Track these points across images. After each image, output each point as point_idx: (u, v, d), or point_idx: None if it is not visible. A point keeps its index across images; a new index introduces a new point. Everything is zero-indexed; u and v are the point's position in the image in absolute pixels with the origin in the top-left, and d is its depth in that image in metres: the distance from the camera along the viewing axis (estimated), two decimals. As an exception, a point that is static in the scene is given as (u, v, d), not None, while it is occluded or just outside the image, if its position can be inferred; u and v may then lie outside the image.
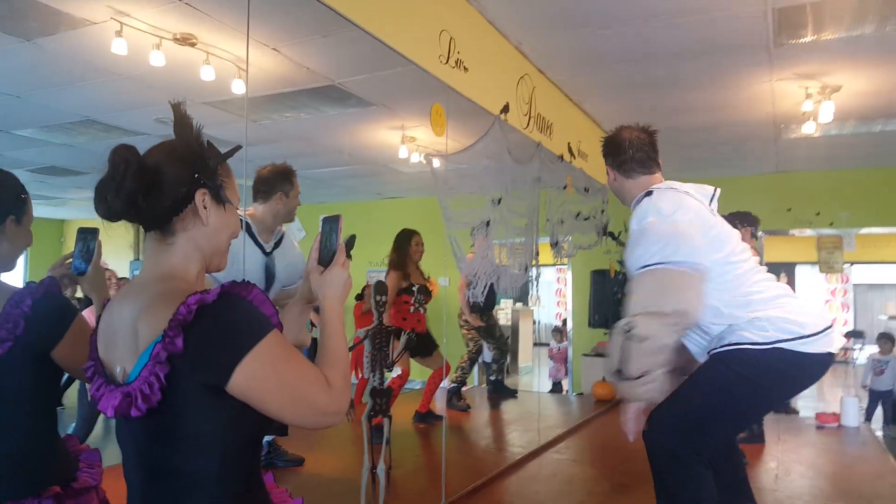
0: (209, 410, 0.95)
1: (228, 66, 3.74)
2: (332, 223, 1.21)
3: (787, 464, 3.69)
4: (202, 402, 0.94)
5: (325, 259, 1.18)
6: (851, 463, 3.80)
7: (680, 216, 1.88)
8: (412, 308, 4.11)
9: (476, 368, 6.66)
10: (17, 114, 4.93)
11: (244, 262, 2.54)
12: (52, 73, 4.03)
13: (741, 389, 1.89)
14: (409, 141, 5.38)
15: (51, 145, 5.80)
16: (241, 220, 2.68)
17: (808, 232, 7.17)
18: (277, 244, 2.89)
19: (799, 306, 1.92)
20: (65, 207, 10.05)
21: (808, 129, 4.67)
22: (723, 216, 3.50)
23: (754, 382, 1.88)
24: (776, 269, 12.95)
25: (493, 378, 5.93)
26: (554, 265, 9.38)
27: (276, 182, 2.82)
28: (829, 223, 6.92)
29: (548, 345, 9.00)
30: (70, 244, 12.64)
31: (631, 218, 2.06)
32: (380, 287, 2.33)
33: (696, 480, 1.85)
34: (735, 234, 2.02)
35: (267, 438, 3.30)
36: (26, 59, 3.78)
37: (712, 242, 1.90)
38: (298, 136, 5.58)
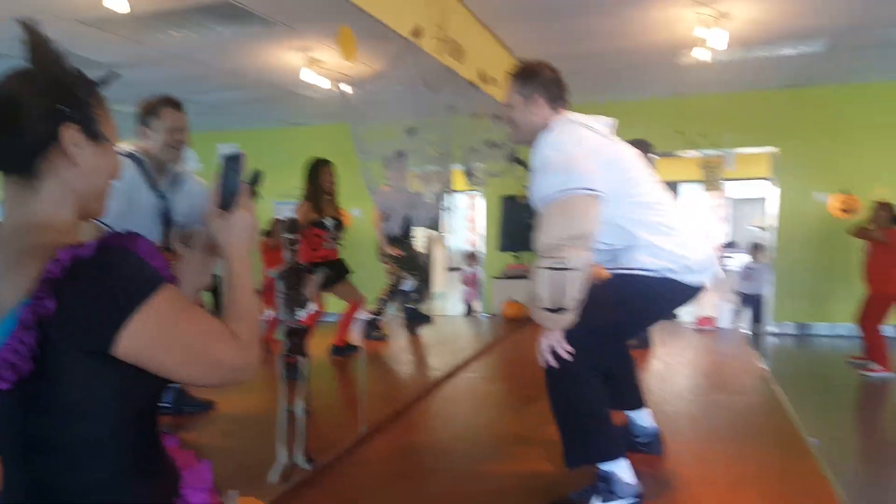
0: (93, 378, 0.84)
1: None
2: (232, 162, 1.10)
3: (671, 365, 4.10)
4: (84, 370, 0.83)
5: (227, 202, 1.08)
6: (724, 361, 4.30)
7: (576, 149, 1.95)
8: (325, 244, 4.04)
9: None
10: None
11: (134, 205, 2.40)
12: None
13: (629, 310, 2.06)
14: (315, 64, 5.11)
15: None
16: (134, 155, 2.51)
17: (694, 153, 7.68)
18: (175, 185, 2.71)
19: (692, 240, 2.06)
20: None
21: (703, 55, 4.89)
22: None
23: (641, 304, 2.06)
24: (666, 188, 13.71)
25: (408, 306, 6.02)
26: (465, 192, 9.47)
27: (142, 116, 2.57)
28: (713, 144, 7.45)
29: (460, 269, 9.22)
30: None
31: (532, 153, 2.11)
32: (290, 224, 2.27)
33: (590, 394, 2.00)
34: (638, 159, 2.11)
35: (173, 385, 3.20)
36: None
37: (612, 169, 1.99)
38: (189, 58, 5.17)
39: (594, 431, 2.01)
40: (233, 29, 4.40)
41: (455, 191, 4.36)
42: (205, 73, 5.68)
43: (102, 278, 0.82)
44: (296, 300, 2.34)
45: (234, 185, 1.09)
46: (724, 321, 5.35)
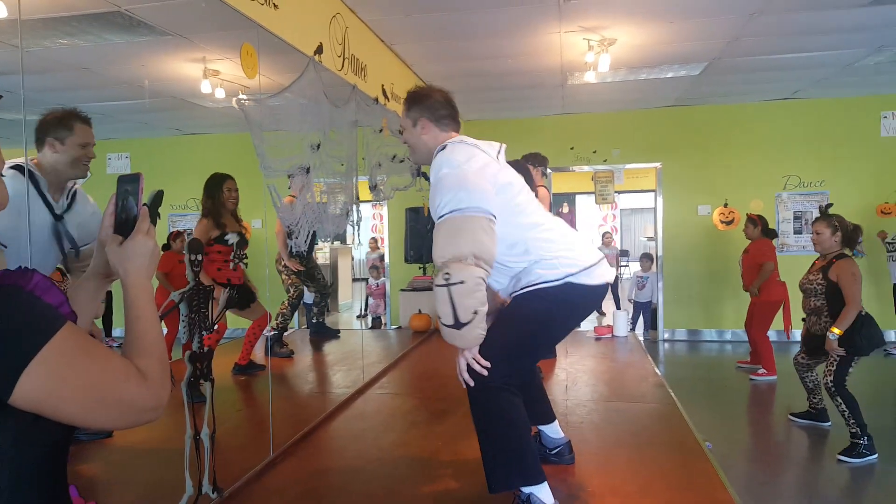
0: None
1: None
2: (129, 183, 1.04)
3: (574, 374, 4.30)
4: None
5: (124, 227, 1.02)
6: (623, 368, 4.54)
7: (470, 166, 2.05)
8: (231, 264, 3.92)
9: (296, 312, 6.61)
10: None
11: (29, 227, 2.23)
12: None
13: (541, 323, 2.17)
14: (213, 75, 4.96)
15: None
16: (22, 167, 2.34)
17: (586, 168, 8.14)
18: (71, 203, 2.55)
19: (579, 244, 2.23)
20: None
21: (590, 77, 5.23)
22: (516, 159, 3.80)
23: (551, 315, 2.16)
24: (560, 199, 14.35)
25: (314, 321, 5.95)
26: (370, 202, 9.47)
27: (49, 127, 2.41)
28: (604, 160, 7.93)
29: (366, 280, 9.19)
30: None
31: (430, 171, 2.21)
32: (194, 245, 2.20)
33: (508, 406, 2.09)
34: (520, 181, 2.24)
35: None
36: None
37: (501, 190, 2.10)
38: (78, 66, 4.86)
39: (517, 453, 2.07)
40: (124, 38, 4.20)
41: (361, 202, 4.38)
42: (95, 82, 5.37)
43: None
44: (202, 323, 2.27)
45: (131, 208, 1.03)
46: (621, 329, 5.66)
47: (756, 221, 6.24)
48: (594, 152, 7.90)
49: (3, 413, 0.77)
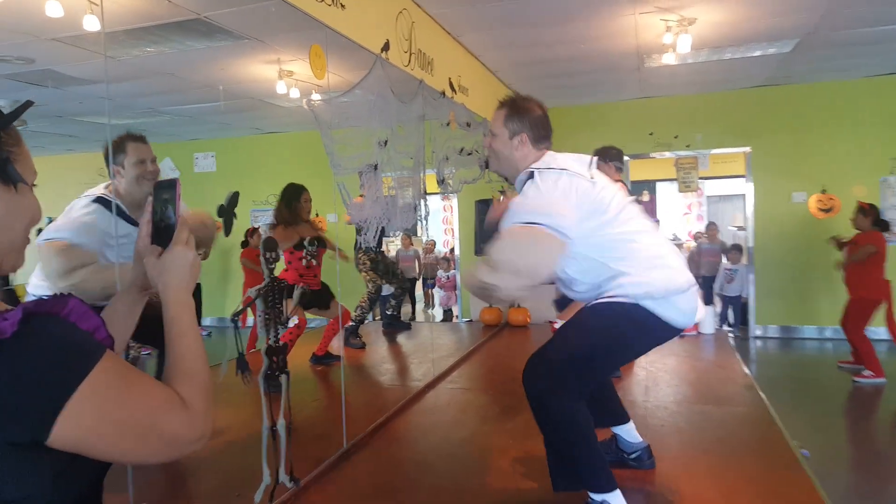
0: (25, 471, 0.72)
1: (78, 1, 3.33)
2: (166, 190, 0.97)
3: (655, 374, 4.12)
4: (15, 464, 0.71)
5: (162, 236, 0.95)
6: (709, 368, 4.30)
7: (556, 194, 2.00)
8: (304, 261, 4.05)
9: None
10: None
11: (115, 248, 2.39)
12: None
13: (610, 338, 2.08)
14: (287, 75, 5.11)
15: None
16: (102, 199, 2.49)
17: (667, 154, 7.75)
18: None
19: (665, 267, 2.08)
20: None
21: (668, 59, 4.98)
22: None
23: (621, 332, 2.06)
24: (640, 187, 13.73)
25: (388, 312, 6.05)
26: (439, 194, 9.51)
27: (111, 155, 2.55)
28: (686, 145, 7.52)
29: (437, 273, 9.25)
30: None
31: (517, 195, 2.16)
32: (269, 243, 2.27)
33: (571, 411, 2.03)
34: (618, 193, 2.13)
35: None
36: None
37: (591, 211, 2.03)
38: (164, 72, 5.14)
39: (582, 458, 2.03)
40: (205, 44, 4.39)
41: (429, 194, 4.43)
42: (179, 86, 5.66)
43: (28, 360, 0.70)
44: (277, 318, 2.34)
45: (169, 217, 0.96)
46: (707, 326, 5.38)
47: (867, 211, 5.65)
48: (675, 137, 7.54)
49: (41, 453, 0.72)
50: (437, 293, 9.34)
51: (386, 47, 3.45)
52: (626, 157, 7.62)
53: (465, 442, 3.02)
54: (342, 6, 2.97)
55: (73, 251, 2.32)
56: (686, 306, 2.09)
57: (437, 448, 2.98)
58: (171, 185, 0.99)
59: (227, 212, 2.67)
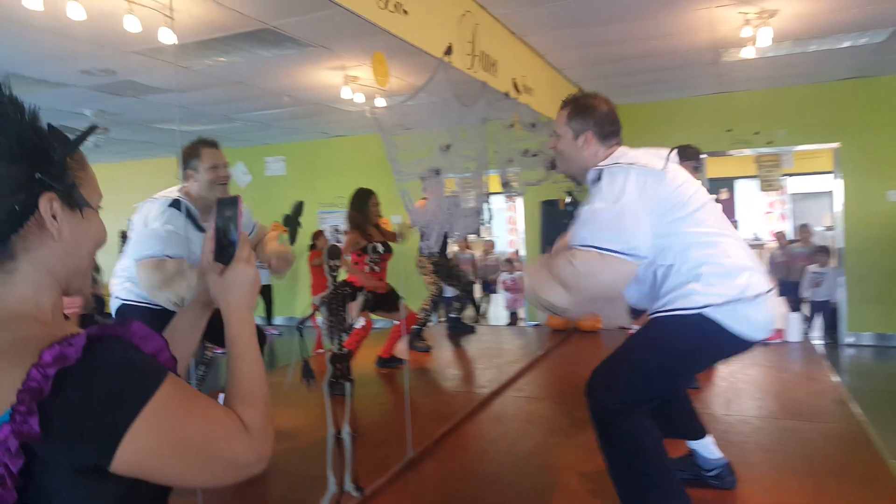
0: (85, 497, 0.72)
1: (154, 15, 3.46)
2: (228, 207, 0.98)
3: (736, 385, 3.88)
4: (78, 489, 0.72)
5: (225, 254, 0.95)
6: (795, 380, 4.01)
7: (625, 200, 1.88)
8: (367, 268, 4.07)
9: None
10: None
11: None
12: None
13: (676, 353, 1.96)
14: (352, 81, 5.16)
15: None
16: (177, 202, 2.57)
17: (747, 151, 7.34)
18: None
19: (739, 271, 1.93)
20: None
21: (748, 53, 4.70)
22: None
23: (688, 346, 1.94)
24: (718, 184, 13.02)
25: (452, 315, 6.02)
26: (503, 193, 9.42)
27: (185, 159, 2.66)
28: (768, 142, 7.10)
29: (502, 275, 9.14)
30: None
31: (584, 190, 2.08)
32: (332, 251, 2.27)
33: (637, 431, 1.92)
34: (699, 191, 2.00)
35: None
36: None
37: (664, 208, 1.91)
38: (235, 80, 5.32)
39: (651, 477, 1.92)
40: (273, 52, 4.49)
41: (493, 194, 4.40)
42: (250, 94, 5.83)
43: (92, 385, 0.70)
44: (340, 326, 2.34)
45: (231, 234, 0.96)
46: (794, 334, 5.05)
47: None
48: (756, 133, 7.13)
49: (103, 478, 0.72)
50: (503, 295, 9.23)
51: (448, 51, 3.41)
52: (702, 155, 7.28)
53: (532, 455, 2.93)
54: (405, 12, 2.94)
55: (165, 265, 2.42)
56: (759, 317, 1.93)
57: (504, 460, 2.90)
58: (233, 202, 0.99)
59: (293, 220, 2.71)
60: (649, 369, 1.97)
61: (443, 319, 6.75)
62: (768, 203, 13.68)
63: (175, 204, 2.57)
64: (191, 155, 2.63)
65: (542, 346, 5.39)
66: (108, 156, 9.04)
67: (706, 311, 1.87)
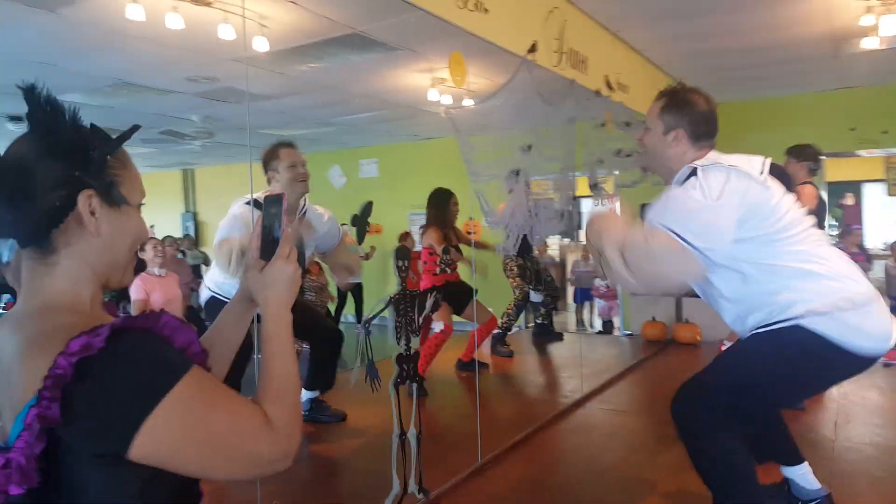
0: (111, 483, 0.75)
1: (249, 24, 3.64)
2: (274, 205, 0.99)
3: (848, 408, 3.52)
4: (100, 476, 0.74)
5: (269, 251, 0.96)
6: (918, 404, 3.59)
7: (719, 206, 1.72)
8: (437, 269, 4.05)
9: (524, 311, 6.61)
10: (56, 80, 5.00)
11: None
12: (78, 40, 4.06)
13: (769, 371, 1.78)
14: (439, 83, 5.17)
15: (91, 108, 5.91)
16: (257, 202, 2.67)
17: (876, 152, 6.65)
18: (304, 216, 2.87)
19: (860, 295, 1.73)
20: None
21: (871, 44, 4.24)
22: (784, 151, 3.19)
23: (784, 363, 1.75)
24: (842, 188, 11.95)
25: (539, 321, 5.87)
26: (593, 197, 9.10)
27: (266, 162, 2.80)
28: (897, 142, 6.40)
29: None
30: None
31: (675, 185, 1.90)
32: (401, 252, 2.26)
33: (725, 448, 1.79)
34: (794, 207, 1.83)
35: (310, 395, 3.36)
36: (50, 28, 3.83)
37: (760, 219, 1.75)
38: (328, 85, 5.47)
39: (736, 499, 1.79)
40: (362, 56, 4.57)
41: (581, 197, 4.27)
42: (342, 98, 5.99)
43: (114, 374, 0.72)
44: (408, 327, 2.32)
45: (275, 231, 0.97)
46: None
47: None
48: (885, 132, 6.45)
49: (123, 468, 0.74)
50: (597, 303, 8.93)
51: (533, 49, 3.31)
52: (821, 156, 6.69)
53: (610, 470, 2.78)
54: (485, 10, 2.89)
55: (229, 241, 2.53)
56: (871, 326, 1.71)
57: (578, 473, 2.78)
58: (278, 199, 1.00)
59: (361, 221, 2.74)
60: (744, 386, 1.82)
61: (530, 325, 6.61)
62: (899, 209, 12.39)
63: (254, 202, 2.66)
64: (271, 157, 2.74)
65: (634, 356, 5.15)
66: (216, 159, 9.64)
67: (805, 323, 1.70)
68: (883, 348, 1.74)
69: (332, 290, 6.87)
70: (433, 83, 5.09)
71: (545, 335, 5.78)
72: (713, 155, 1.89)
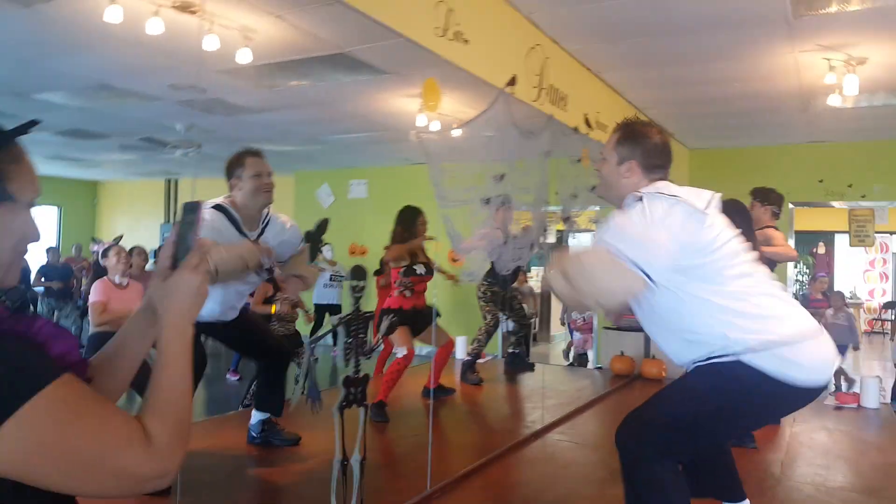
0: None
1: (234, 34, 3.67)
2: (190, 213, 0.96)
3: (796, 448, 3.59)
4: None
5: (181, 259, 0.94)
6: (865, 449, 3.66)
7: (659, 227, 1.78)
8: (396, 291, 4.04)
9: (501, 339, 6.59)
10: (32, 79, 4.99)
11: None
12: (56, 39, 4.03)
13: (712, 404, 1.82)
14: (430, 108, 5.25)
15: (71, 109, 5.90)
16: (220, 206, 2.68)
17: (841, 204, 6.86)
18: (263, 230, 2.85)
19: (777, 316, 1.80)
20: (98, 169, 10.26)
21: (834, 101, 4.41)
22: (733, 199, 3.29)
23: (725, 397, 1.80)
24: (814, 238, 12.24)
25: (511, 350, 5.88)
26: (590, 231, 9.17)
27: (231, 168, 2.76)
28: (862, 195, 6.61)
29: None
30: (106, 206, 12.77)
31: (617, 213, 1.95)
32: (357, 272, 2.27)
33: (663, 484, 1.80)
34: (729, 235, 1.87)
35: (261, 417, 3.28)
36: (27, 26, 3.80)
37: (697, 249, 1.80)
38: (317, 103, 5.53)
39: None
40: (351, 77, 4.64)
41: (578, 230, 4.32)
42: (332, 117, 6.04)
43: None
44: (359, 349, 2.31)
45: (188, 240, 0.94)
46: (870, 400, 4.60)
47: None
48: (849, 186, 6.66)
49: None
50: (573, 335, 8.95)
51: (512, 82, 3.39)
52: (791, 205, 6.84)
53: (558, 502, 2.78)
54: (465, 41, 2.97)
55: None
56: (807, 359, 1.77)
57: (526, 504, 2.78)
58: (194, 208, 0.97)
59: (315, 237, 2.74)
60: (684, 419, 1.84)
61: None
62: (868, 261, 12.66)
63: (218, 207, 2.67)
64: (236, 164, 2.73)
65: (598, 390, 5.17)
66: (203, 171, 9.59)
67: (745, 359, 1.75)
68: (821, 380, 1.80)
69: (310, 306, 6.83)
70: (421, 108, 5.16)
71: (517, 365, 5.79)
72: (661, 184, 1.94)
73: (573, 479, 3.12)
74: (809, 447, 3.63)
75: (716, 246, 1.82)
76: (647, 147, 1.98)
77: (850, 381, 6.65)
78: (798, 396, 1.82)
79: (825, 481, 3.07)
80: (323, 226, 2.74)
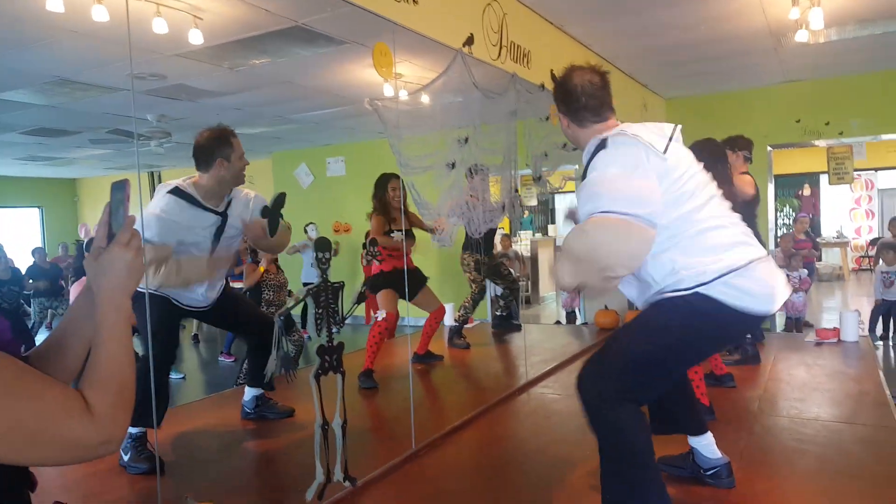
0: None
1: (182, 16, 3.61)
2: (118, 191, 0.97)
3: (775, 385, 3.66)
4: None
5: (111, 237, 0.95)
6: (840, 381, 3.73)
7: (640, 174, 1.78)
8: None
9: (490, 303, 6.64)
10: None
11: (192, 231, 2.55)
12: (2, 34, 3.92)
13: (669, 338, 1.85)
14: (397, 77, 5.18)
15: (35, 107, 5.81)
16: (176, 189, 2.67)
17: (822, 143, 6.86)
18: (229, 203, 2.85)
19: (731, 246, 1.84)
20: (74, 166, 10.16)
21: (802, 37, 4.38)
22: (715, 142, 3.30)
23: (682, 331, 1.84)
24: (800, 180, 12.31)
25: (499, 313, 5.94)
26: (572, 192, 9.19)
27: (214, 148, 2.68)
28: (840, 132, 6.61)
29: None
30: (87, 203, 12.62)
31: (586, 167, 1.95)
32: (321, 244, 2.29)
33: (627, 422, 1.83)
34: (690, 167, 1.89)
35: (254, 393, 3.34)
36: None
37: (671, 196, 1.81)
38: (282, 81, 5.45)
39: (631, 473, 1.85)
40: (310, 51, 4.57)
41: (558, 191, 4.31)
42: (299, 94, 5.95)
43: None
44: (330, 319, 2.34)
45: (120, 218, 0.95)
46: (850, 334, 4.69)
47: None
48: (827, 124, 6.66)
49: None
50: (560, 295, 9.03)
51: (469, 41, 3.37)
52: (769, 147, 6.86)
53: (539, 451, 2.86)
54: (414, 2, 2.93)
55: (147, 249, 2.46)
56: (757, 287, 1.81)
57: (508, 455, 2.86)
58: (122, 185, 0.99)
59: (272, 212, 2.74)
60: (642, 357, 1.87)
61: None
62: (854, 199, 12.74)
63: (174, 191, 2.65)
64: (223, 144, 2.67)
65: (583, 344, 5.24)
66: (179, 160, 9.50)
67: (700, 290, 1.79)
68: (774, 305, 1.86)
69: (295, 288, 6.86)
70: (385, 78, 5.11)
71: (504, 326, 5.86)
72: (622, 126, 1.93)
73: (556, 427, 3.20)
74: (787, 383, 3.71)
75: (679, 182, 1.83)
76: (566, 96, 1.99)
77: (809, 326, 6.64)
78: (749, 322, 1.87)
79: (800, 413, 3.15)
80: (280, 199, 2.74)
